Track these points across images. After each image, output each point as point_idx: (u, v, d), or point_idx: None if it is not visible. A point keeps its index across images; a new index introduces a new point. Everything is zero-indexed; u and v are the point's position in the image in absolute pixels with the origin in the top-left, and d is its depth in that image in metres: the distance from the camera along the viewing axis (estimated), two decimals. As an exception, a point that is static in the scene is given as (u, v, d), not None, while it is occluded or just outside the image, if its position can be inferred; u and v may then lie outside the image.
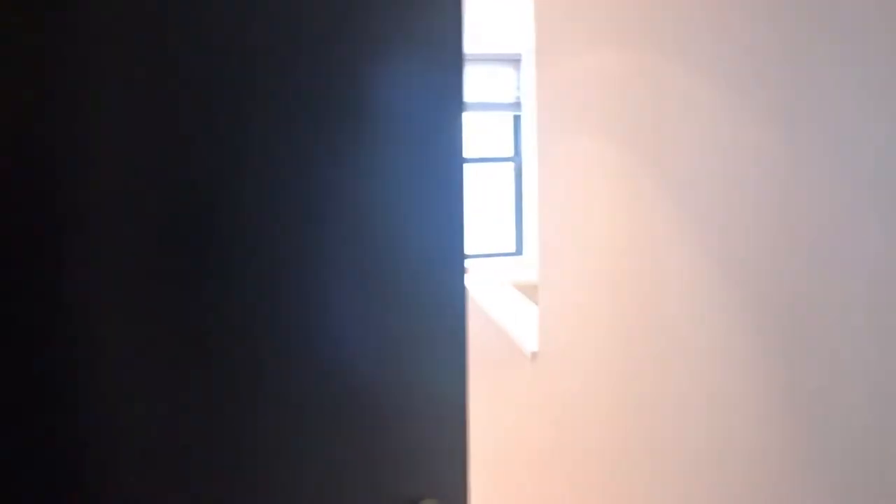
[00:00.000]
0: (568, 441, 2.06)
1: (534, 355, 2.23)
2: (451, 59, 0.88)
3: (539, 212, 2.12)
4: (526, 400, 2.34)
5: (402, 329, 0.90)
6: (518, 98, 5.92)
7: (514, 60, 5.88)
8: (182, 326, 0.81)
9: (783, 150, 1.10)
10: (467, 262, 4.74)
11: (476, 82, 5.86)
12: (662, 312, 1.50)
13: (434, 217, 0.88)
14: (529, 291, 3.29)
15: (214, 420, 0.85)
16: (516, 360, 2.39)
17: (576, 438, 2.01)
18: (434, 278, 0.91)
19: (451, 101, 0.89)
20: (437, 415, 0.94)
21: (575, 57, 1.83)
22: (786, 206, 1.10)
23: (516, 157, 6.05)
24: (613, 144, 1.67)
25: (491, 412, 2.83)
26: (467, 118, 6.01)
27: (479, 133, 6.15)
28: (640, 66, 1.53)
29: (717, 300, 1.30)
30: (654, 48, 1.48)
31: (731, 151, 1.23)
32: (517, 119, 6.00)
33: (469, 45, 5.59)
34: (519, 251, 6.11)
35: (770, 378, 1.16)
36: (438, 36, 0.87)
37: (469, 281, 3.22)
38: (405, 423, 0.92)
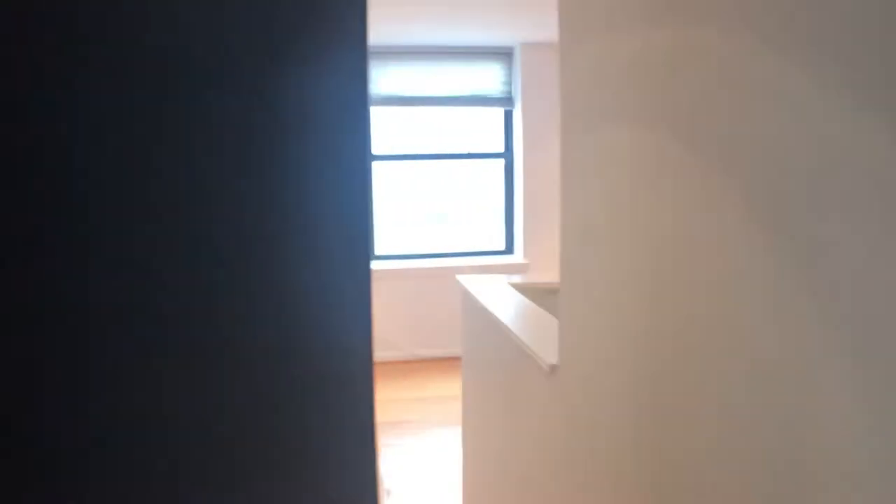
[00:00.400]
0: (589, 458, 1.85)
1: (553, 368, 2.01)
2: (353, 44, 0.82)
3: (562, 214, 1.89)
4: (544, 415, 2.12)
5: (300, 336, 0.86)
6: (509, 93, 5.70)
7: (506, 54, 5.66)
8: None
9: (888, 148, 0.89)
10: (461, 261, 4.50)
11: (464, 77, 5.63)
12: (707, 327, 1.29)
13: (338, 212, 0.84)
14: (530, 294, 3.07)
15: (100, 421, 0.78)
16: (533, 374, 2.17)
17: (598, 455, 1.79)
18: (337, 285, 0.87)
19: (354, 86, 0.82)
20: (343, 430, 0.89)
21: (609, 37, 1.61)
22: (890, 215, 0.89)
23: (506, 154, 5.84)
24: (655, 136, 1.45)
25: (508, 427, 2.60)
26: (460, 113, 5.78)
27: (468, 129, 5.92)
28: (694, 44, 1.31)
29: (791, 320, 1.09)
30: (712, 22, 1.26)
31: (812, 148, 1.02)
32: (508, 114, 5.78)
33: (455, 37, 5.36)
34: (509, 250, 5.90)
35: (856, 404, 0.95)
36: (339, 24, 0.81)
37: (474, 288, 2.99)
38: (309, 431, 0.87)
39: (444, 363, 5.64)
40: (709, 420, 1.33)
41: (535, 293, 3.12)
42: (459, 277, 3.15)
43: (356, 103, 0.81)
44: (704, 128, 1.30)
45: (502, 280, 3.17)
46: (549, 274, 5.62)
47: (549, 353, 2.07)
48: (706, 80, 1.29)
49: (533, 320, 2.43)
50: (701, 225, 1.32)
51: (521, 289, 3.09)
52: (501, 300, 2.73)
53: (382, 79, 5.51)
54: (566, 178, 1.86)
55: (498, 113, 5.81)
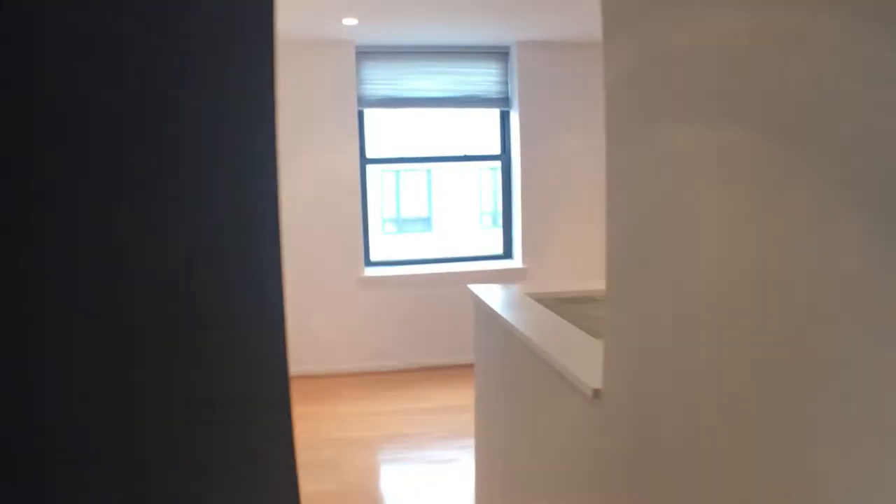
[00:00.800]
0: (637, 493, 1.62)
1: (596, 393, 1.78)
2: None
3: (608, 223, 1.67)
4: (585, 443, 1.89)
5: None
6: (505, 93, 5.48)
7: (502, 53, 5.44)
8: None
9: None
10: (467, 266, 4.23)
11: (459, 77, 5.40)
12: (798, 354, 1.07)
13: (242, 213, 0.76)
14: (548, 305, 2.85)
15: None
16: (571, 398, 1.94)
17: (647, 490, 1.57)
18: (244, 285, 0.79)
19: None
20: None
21: (669, 20, 1.39)
22: None
23: (503, 156, 5.61)
24: (736, 133, 1.23)
25: (536, 453, 2.37)
26: (455, 115, 5.55)
27: (464, 130, 5.70)
28: (785, 25, 1.10)
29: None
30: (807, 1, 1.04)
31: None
32: (504, 115, 5.56)
33: (449, 37, 5.13)
34: (508, 254, 5.67)
35: None
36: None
37: (490, 299, 2.76)
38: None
39: (444, 372, 5.41)
40: (793, 455, 1.11)
41: (553, 303, 2.89)
42: (472, 287, 2.92)
43: (261, 106, 0.76)
44: (801, 124, 1.08)
45: (517, 290, 2.94)
46: (550, 279, 5.40)
47: (590, 376, 1.84)
48: (807, 68, 1.07)
49: (565, 337, 2.20)
50: (796, 237, 1.10)
51: (538, 298, 2.86)
52: (524, 313, 2.50)
53: (374, 80, 5.27)
54: (613, 183, 1.64)
55: (494, 114, 5.59)
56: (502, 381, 2.65)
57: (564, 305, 2.93)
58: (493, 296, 2.77)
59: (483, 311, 2.81)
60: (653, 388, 1.54)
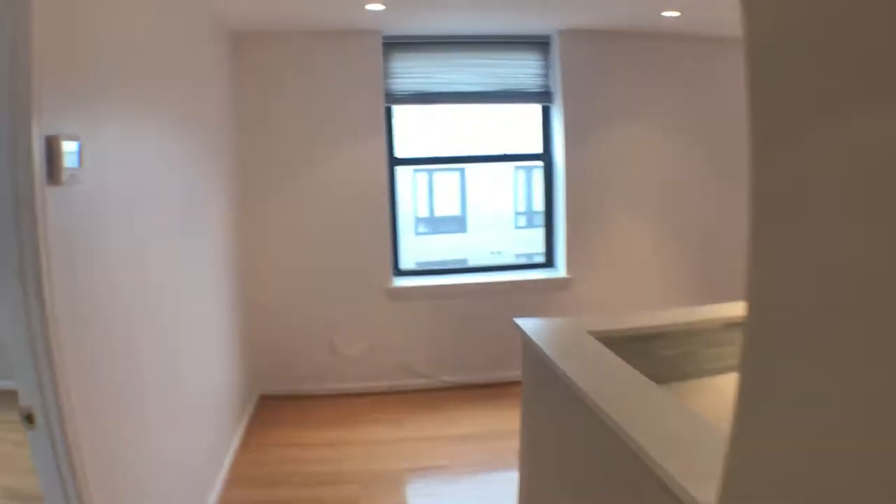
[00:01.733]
0: None
1: (716, 516, 1.17)
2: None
3: (753, 262, 1.05)
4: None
5: None
6: (547, 87, 4.84)
7: (542, 43, 4.80)
8: None
9: None
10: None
11: (495, 70, 4.78)
12: None
13: None
14: (613, 345, 2.24)
15: None
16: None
17: None
18: None
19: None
20: None
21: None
22: None
23: (545, 155, 4.98)
24: None
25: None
26: (491, 110, 4.93)
27: (501, 127, 5.08)
28: None
29: None
30: None
31: None
32: (546, 111, 4.92)
33: (484, 26, 4.51)
34: (550, 263, 5.04)
35: None
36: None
37: (549, 346, 2.14)
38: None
39: (479, 391, 4.81)
40: None
41: (617, 342, 2.28)
42: (519, 322, 2.31)
43: None
44: None
45: (575, 324, 2.32)
46: (597, 290, 4.76)
47: (698, 485, 1.22)
48: None
49: (650, 409, 1.58)
50: None
51: (600, 336, 2.25)
52: (590, 367, 1.89)
53: (403, 73, 4.68)
54: (769, 209, 1.02)
55: (535, 110, 4.95)
56: (562, 447, 2.04)
57: (630, 345, 2.32)
58: (548, 336, 2.15)
59: (535, 354, 2.20)
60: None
